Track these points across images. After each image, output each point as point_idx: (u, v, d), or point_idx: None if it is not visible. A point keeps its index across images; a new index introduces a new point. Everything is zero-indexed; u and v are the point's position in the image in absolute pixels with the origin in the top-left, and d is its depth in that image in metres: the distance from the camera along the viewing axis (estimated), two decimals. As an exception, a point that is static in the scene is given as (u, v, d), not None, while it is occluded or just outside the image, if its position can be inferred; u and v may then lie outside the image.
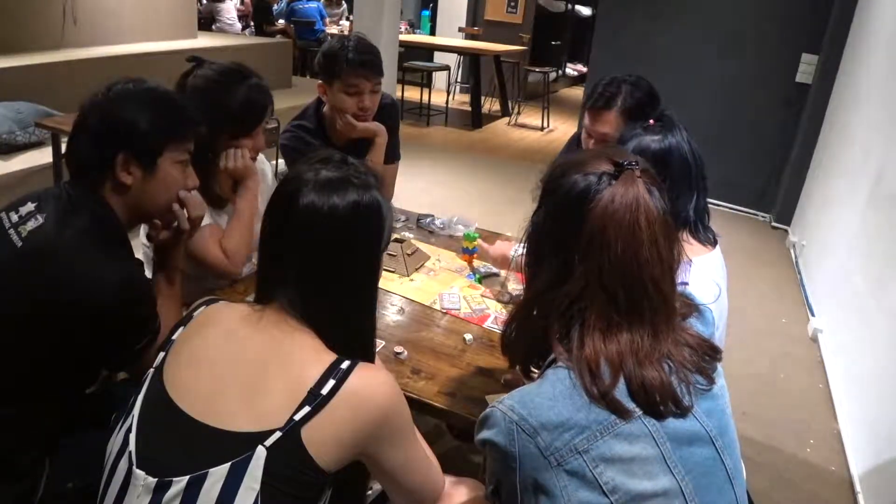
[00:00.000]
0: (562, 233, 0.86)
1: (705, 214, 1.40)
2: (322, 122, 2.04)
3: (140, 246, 1.74)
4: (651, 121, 1.42)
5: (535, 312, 0.91)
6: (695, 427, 0.83)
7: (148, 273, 1.72)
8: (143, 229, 1.70)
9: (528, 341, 0.93)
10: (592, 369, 0.80)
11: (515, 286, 1.71)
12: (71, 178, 1.22)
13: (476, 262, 1.88)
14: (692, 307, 0.95)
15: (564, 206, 0.87)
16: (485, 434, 0.82)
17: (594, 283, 0.82)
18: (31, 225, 1.12)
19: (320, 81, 1.97)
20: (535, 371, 0.95)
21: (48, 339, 1.09)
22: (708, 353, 0.88)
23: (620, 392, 0.80)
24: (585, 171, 0.86)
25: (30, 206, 1.15)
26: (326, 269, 0.92)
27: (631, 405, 0.79)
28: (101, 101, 1.20)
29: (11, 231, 1.12)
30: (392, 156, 2.14)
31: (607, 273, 0.82)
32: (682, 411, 0.81)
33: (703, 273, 1.31)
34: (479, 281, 1.77)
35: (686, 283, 1.27)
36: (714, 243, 1.40)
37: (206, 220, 1.64)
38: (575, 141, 2.17)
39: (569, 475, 0.77)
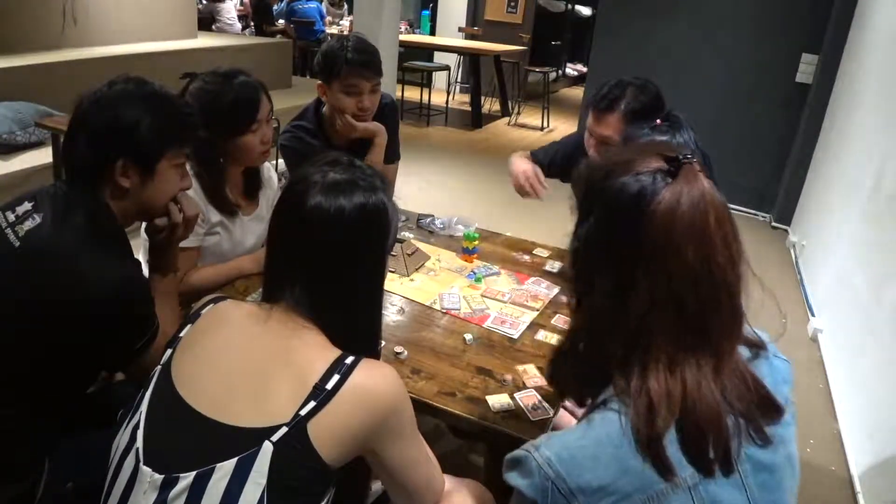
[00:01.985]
0: (618, 243, 0.75)
1: None
2: (322, 123, 2.04)
3: (141, 244, 1.75)
4: (658, 120, 1.41)
5: (589, 338, 0.80)
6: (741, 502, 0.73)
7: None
8: (143, 224, 1.71)
9: (583, 373, 0.82)
10: (652, 407, 0.71)
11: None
12: (67, 177, 1.22)
13: (476, 262, 1.88)
14: (760, 344, 0.83)
15: (617, 213, 0.76)
16: (516, 481, 0.75)
17: (662, 298, 0.72)
18: (28, 224, 1.12)
19: (319, 82, 1.97)
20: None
21: (47, 338, 1.09)
22: (766, 405, 0.77)
23: (670, 440, 0.71)
24: (635, 170, 0.75)
25: (27, 206, 1.15)
26: (333, 269, 0.93)
27: (677, 459, 0.71)
28: (101, 101, 1.19)
29: (9, 231, 1.12)
30: (392, 156, 2.14)
31: (678, 284, 0.72)
32: (728, 471, 0.72)
33: None
34: (479, 281, 1.77)
35: None
36: None
37: (216, 229, 1.66)
38: (573, 141, 2.16)
39: None
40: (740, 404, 0.74)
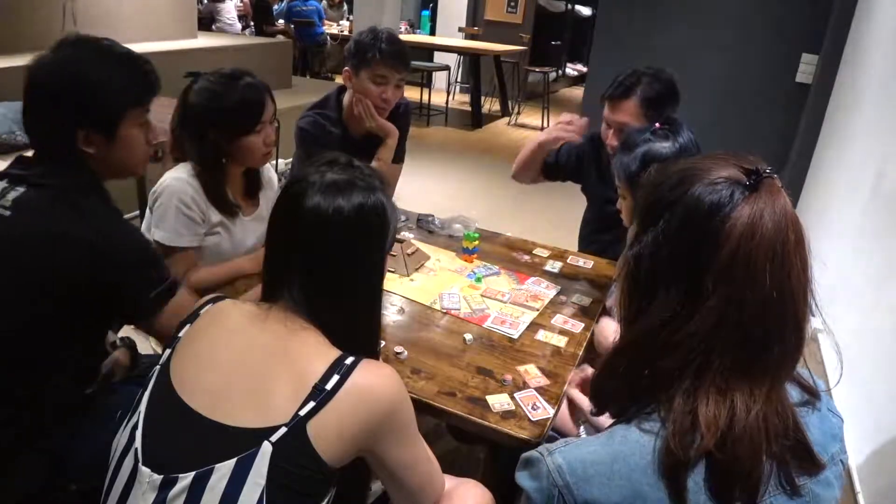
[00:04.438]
0: (689, 255, 0.70)
1: None
2: (342, 113, 2.10)
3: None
4: (657, 124, 1.41)
5: (642, 352, 0.75)
6: None
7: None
8: (143, 225, 1.71)
9: (629, 393, 0.77)
10: (696, 428, 0.67)
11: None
12: (34, 149, 1.21)
13: (476, 262, 1.88)
14: (813, 392, 0.78)
15: (691, 224, 0.71)
16: (526, 482, 0.74)
17: (730, 319, 0.68)
18: (12, 195, 1.13)
19: (346, 68, 2.03)
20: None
21: (53, 292, 1.10)
22: (802, 455, 0.71)
23: (696, 473, 0.67)
24: (710, 180, 0.71)
25: (3, 184, 1.15)
26: (332, 269, 0.93)
27: (695, 494, 0.67)
28: (50, 68, 1.15)
29: None
30: (398, 157, 2.19)
31: (749, 305, 0.68)
32: None
33: None
34: (479, 281, 1.77)
35: None
36: None
37: (217, 229, 1.66)
38: (580, 142, 2.15)
39: None
40: (776, 445, 0.69)
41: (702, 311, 0.69)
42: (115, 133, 1.19)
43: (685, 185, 0.72)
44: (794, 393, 0.76)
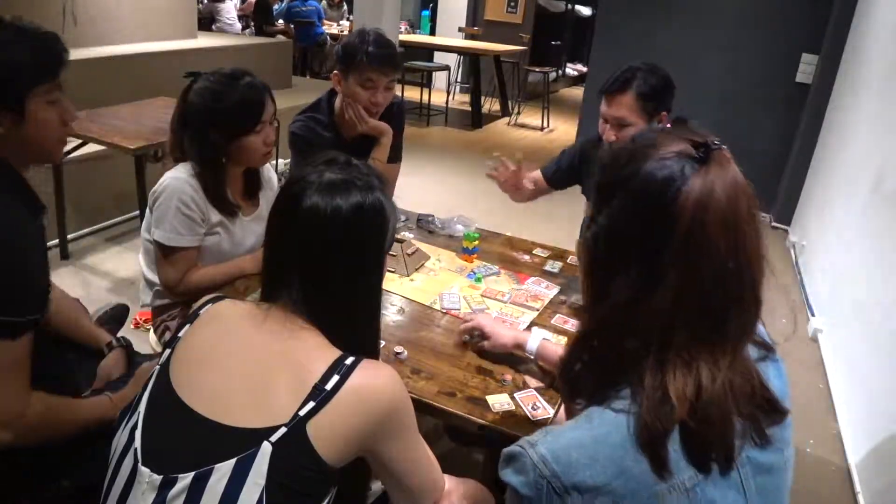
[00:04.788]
0: (644, 233, 0.71)
1: None
2: (333, 116, 2.08)
3: (142, 244, 1.75)
4: (668, 124, 1.41)
5: (606, 334, 0.76)
6: None
7: (150, 273, 1.73)
8: (143, 225, 1.71)
9: (598, 375, 0.77)
10: (667, 401, 0.68)
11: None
12: None
13: (476, 262, 1.88)
14: (769, 348, 0.81)
15: (643, 202, 0.71)
16: (511, 478, 0.74)
17: (689, 292, 0.69)
18: None
19: (336, 71, 2.01)
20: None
21: None
22: (769, 407, 0.74)
23: (673, 440, 0.69)
24: (660, 156, 0.71)
25: None
26: (331, 270, 0.92)
27: (675, 461, 0.68)
28: None
29: None
30: (394, 156, 2.17)
31: (708, 279, 0.69)
32: (728, 468, 0.70)
33: None
34: (479, 281, 1.77)
35: None
36: None
37: (216, 229, 1.66)
38: (577, 148, 2.18)
39: None
40: (745, 404, 0.71)
41: (661, 287, 0.69)
42: (22, 110, 1.12)
43: (636, 162, 0.72)
44: (753, 351, 0.77)
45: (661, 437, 0.68)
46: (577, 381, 0.81)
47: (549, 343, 1.36)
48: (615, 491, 0.68)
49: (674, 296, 0.69)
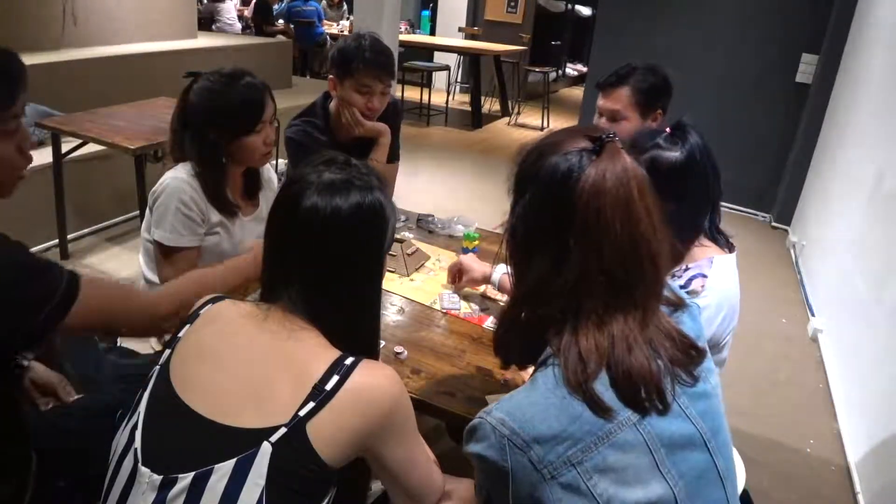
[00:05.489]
0: (551, 220, 0.82)
1: (718, 220, 1.40)
2: (329, 120, 2.06)
3: (141, 244, 1.75)
4: (668, 129, 1.40)
5: (529, 308, 0.87)
6: (689, 430, 0.81)
7: (150, 273, 1.73)
8: (143, 225, 1.71)
9: (524, 340, 0.90)
10: (581, 357, 0.78)
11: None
12: None
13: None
14: (680, 300, 0.91)
15: (549, 192, 0.82)
16: (474, 447, 0.79)
17: (593, 268, 0.79)
18: None
19: (331, 76, 1.99)
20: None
21: None
22: (689, 350, 0.84)
23: (602, 382, 0.77)
24: (563, 150, 0.82)
25: None
26: (330, 270, 0.92)
27: (613, 401, 0.77)
28: None
29: None
30: (393, 156, 2.16)
31: (609, 254, 0.78)
32: (665, 407, 0.79)
33: (726, 271, 1.31)
34: (479, 281, 1.77)
35: (705, 276, 1.27)
36: (731, 248, 1.39)
37: (216, 230, 1.66)
38: None
39: (563, 488, 0.75)
40: (667, 352, 0.82)
41: (569, 263, 0.79)
42: None
43: (543, 157, 0.83)
44: (665, 309, 0.88)
45: (585, 387, 0.76)
46: (508, 347, 0.94)
47: (508, 276, 1.42)
48: (573, 435, 0.75)
49: (580, 270, 0.79)
